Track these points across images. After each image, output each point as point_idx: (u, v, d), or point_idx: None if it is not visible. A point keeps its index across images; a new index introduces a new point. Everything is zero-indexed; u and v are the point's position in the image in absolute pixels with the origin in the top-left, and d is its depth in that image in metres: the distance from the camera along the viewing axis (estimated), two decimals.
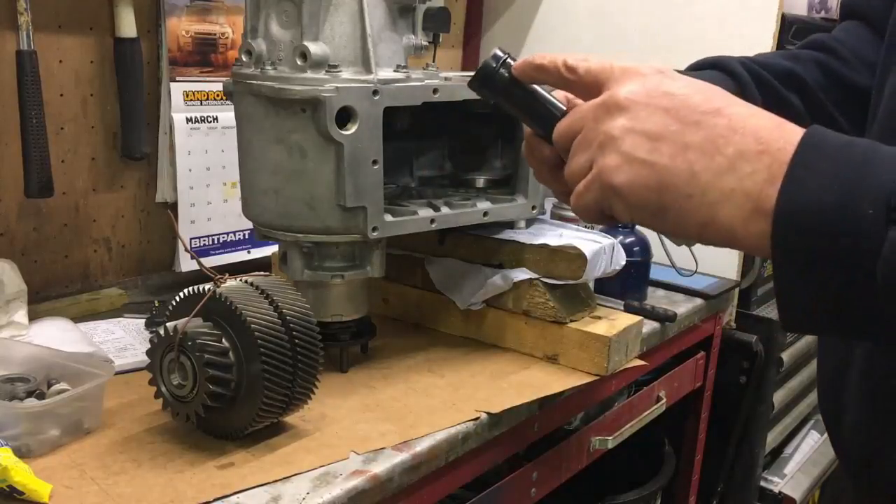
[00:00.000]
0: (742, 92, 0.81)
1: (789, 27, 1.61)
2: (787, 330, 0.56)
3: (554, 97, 0.68)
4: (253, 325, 0.83)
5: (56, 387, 0.90)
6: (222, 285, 0.87)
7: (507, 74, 0.69)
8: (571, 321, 1.13)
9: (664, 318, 1.31)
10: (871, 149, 0.49)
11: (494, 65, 0.69)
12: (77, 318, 1.20)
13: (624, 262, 1.20)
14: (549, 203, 1.36)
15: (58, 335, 1.09)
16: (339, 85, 0.95)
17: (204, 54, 1.39)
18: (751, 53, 1.61)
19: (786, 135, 0.51)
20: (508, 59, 0.69)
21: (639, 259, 1.36)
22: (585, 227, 1.28)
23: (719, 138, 0.52)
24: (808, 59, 0.87)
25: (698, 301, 1.46)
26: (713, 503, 1.78)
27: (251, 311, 0.84)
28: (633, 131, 0.54)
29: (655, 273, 1.44)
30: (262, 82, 0.98)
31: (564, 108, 0.66)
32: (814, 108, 0.84)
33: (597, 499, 1.39)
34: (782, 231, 0.50)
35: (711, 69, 0.84)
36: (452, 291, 1.20)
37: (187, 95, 1.37)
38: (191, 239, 1.40)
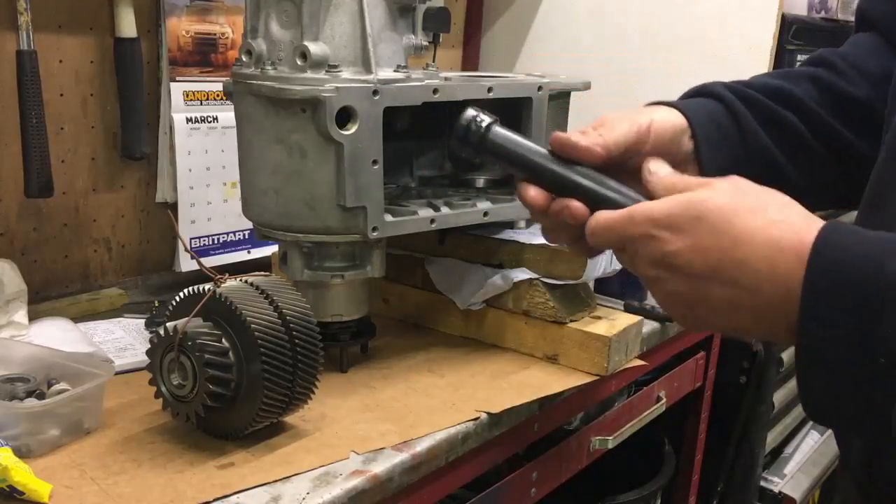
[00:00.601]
0: (729, 111, 0.80)
1: (789, 27, 1.61)
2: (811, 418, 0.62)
3: (536, 149, 0.72)
4: (253, 325, 0.83)
5: (56, 387, 0.90)
6: (222, 285, 0.87)
7: (482, 131, 0.72)
8: (571, 321, 1.13)
9: (664, 318, 1.31)
10: (875, 292, 0.51)
11: (468, 125, 0.72)
12: (77, 318, 1.20)
13: None
14: None
15: (58, 335, 1.09)
16: (339, 85, 0.95)
17: (204, 54, 1.39)
18: (751, 53, 1.61)
19: (790, 290, 0.55)
20: (480, 118, 0.72)
21: None
22: None
23: (733, 305, 0.58)
24: (800, 76, 0.86)
25: None
26: (713, 503, 1.78)
27: (251, 311, 0.84)
28: (669, 301, 0.63)
29: None
30: (262, 82, 0.98)
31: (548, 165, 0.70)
32: (812, 124, 0.83)
33: (597, 499, 1.39)
34: (806, 373, 0.56)
35: (697, 96, 0.83)
36: (452, 291, 1.20)
37: (187, 95, 1.37)
38: (191, 239, 1.40)
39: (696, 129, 0.78)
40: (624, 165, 0.72)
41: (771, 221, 0.57)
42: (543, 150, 0.71)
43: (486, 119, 0.72)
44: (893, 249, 0.52)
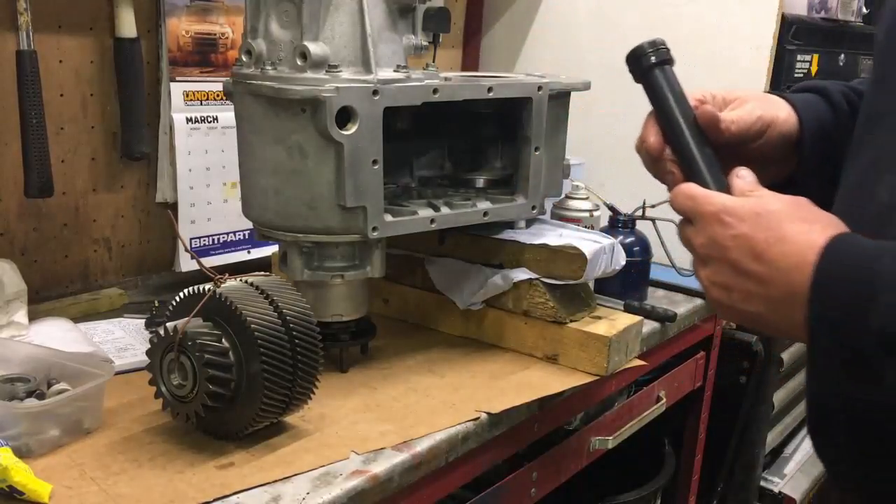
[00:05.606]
0: (835, 115, 0.86)
1: (789, 27, 1.61)
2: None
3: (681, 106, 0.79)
4: (253, 325, 0.83)
5: (56, 387, 0.90)
6: (222, 285, 0.87)
7: (648, 64, 0.80)
8: (571, 321, 1.13)
9: (664, 318, 1.31)
10: (871, 287, 0.60)
11: (641, 55, 0.80)
12: (77, 318, 1.20)
13: (624, 262, 1.20)
14: (549, 203, 1.35)
15: (58, 335, 1.09)
16: (339, 85, 0.95)
17: (204, 54, 1.39)
18: (751, 53, 1.61)
19: (804, 276, 0.64)
20: (654, 53, 0.79)
21: (639, 259, 1.36)
22: (585, 226, 1.28)
23: (759, 290, 0.67)
24: None
25: (698, 301, 1.46)
26: (713, 503, 1.78)
27: (251, 311, 0.84)
28: (712, 282, 0.72)
29: (655, 273, 1.44)
30: (262, 82, 0.98)
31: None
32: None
33: (597, 499, 1.39)
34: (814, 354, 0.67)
35: (811, 92, 0.89)
36: (452, 291, 1.20)
37: (187, 95, 1.37)
38: (191, 239, 1.40)
39: (804, 144, 0.84)
40: (735, 147, 0.82)
41: (807, 233, 0.65)
42: (689, 112, 0.79)
43: (658, 57, 0.79)
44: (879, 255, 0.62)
